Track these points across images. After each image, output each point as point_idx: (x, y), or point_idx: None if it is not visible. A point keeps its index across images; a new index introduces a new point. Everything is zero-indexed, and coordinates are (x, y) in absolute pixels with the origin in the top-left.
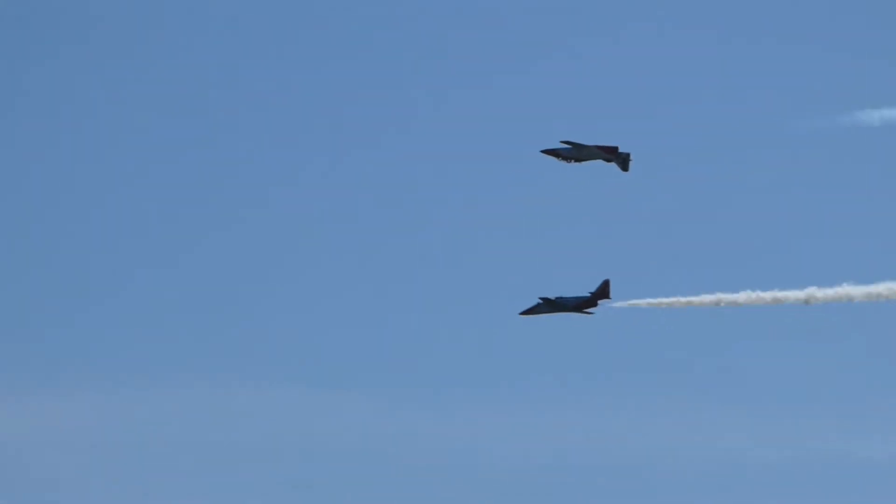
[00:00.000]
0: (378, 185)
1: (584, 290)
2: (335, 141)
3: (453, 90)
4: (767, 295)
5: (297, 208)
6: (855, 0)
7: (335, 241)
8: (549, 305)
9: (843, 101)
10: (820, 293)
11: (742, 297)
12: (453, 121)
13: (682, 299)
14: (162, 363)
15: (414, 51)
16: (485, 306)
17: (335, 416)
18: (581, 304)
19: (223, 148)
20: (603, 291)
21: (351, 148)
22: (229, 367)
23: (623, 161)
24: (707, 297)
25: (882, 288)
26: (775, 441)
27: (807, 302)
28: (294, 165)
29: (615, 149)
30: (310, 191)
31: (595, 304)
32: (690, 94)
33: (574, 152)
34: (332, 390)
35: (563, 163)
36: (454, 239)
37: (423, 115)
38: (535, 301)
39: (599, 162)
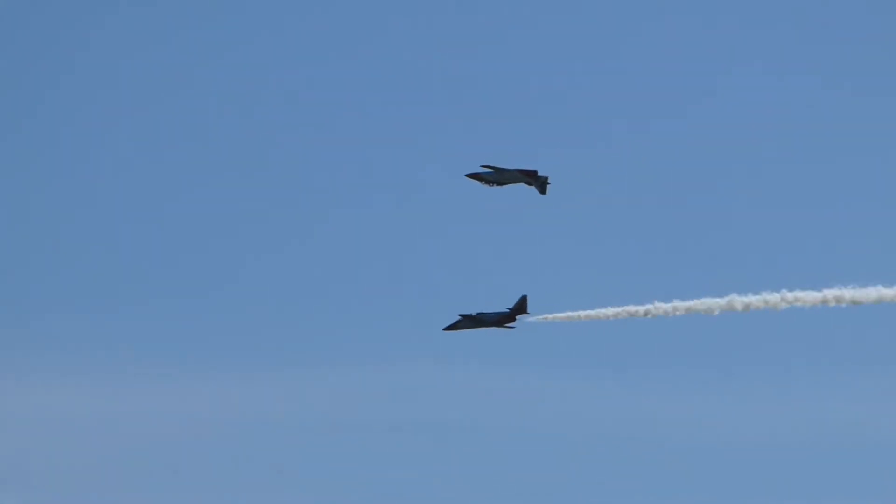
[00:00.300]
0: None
1: (504, 306)
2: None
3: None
4: (677, 305)
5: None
6: None
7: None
8: (470, 321)
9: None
10: (738, 301)
11: (649, 308)
12: (384, 144)
13: (592, 312)
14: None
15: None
16: (410, 321)
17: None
18: (501, 319)
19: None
20: (521, 307)
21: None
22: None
23: (542, 184)
24: (617, 310)
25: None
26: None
27: (710, 312)
28: None
29: (534, 172)
30: None
31: (514, 319)
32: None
33: (496, 176)
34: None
35: (486, 186)
36: (384, 256)
37: (350, 141)
38: (455, 317)
39: (520, 185)
